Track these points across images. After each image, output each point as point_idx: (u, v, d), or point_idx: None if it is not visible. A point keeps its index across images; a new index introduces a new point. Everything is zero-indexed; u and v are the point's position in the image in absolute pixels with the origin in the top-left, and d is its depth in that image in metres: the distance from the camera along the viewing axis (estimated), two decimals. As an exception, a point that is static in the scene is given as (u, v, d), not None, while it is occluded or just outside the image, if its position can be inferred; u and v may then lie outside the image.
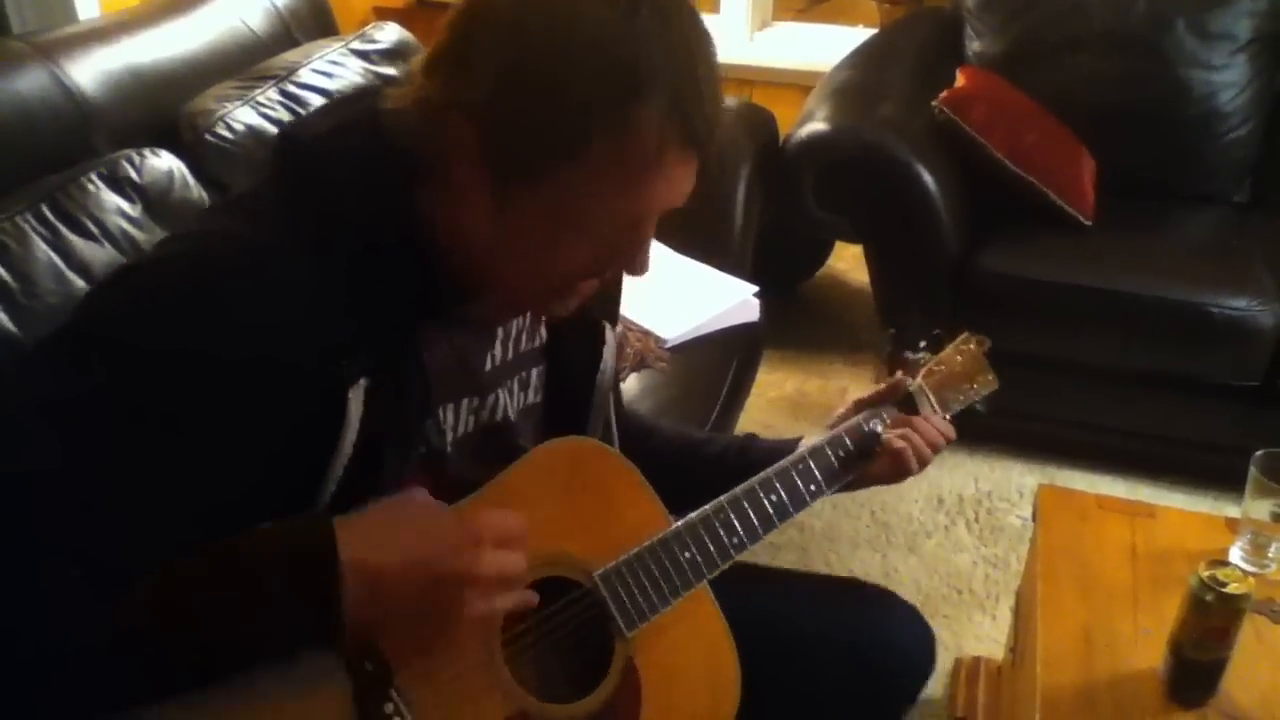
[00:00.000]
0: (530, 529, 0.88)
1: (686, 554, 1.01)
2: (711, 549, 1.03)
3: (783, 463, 1.10)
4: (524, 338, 1.02)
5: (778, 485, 1.09)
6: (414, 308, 0.87)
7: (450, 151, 0.83)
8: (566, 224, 0.84)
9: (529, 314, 1.03)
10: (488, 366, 0.98)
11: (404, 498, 0.85)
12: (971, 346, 1.26)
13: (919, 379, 1.21)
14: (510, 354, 1.01)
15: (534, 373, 1.05)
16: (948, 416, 1.22)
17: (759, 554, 1.09)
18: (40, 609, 0.72)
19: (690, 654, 1.03)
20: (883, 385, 1.20)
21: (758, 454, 1.16)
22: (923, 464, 1.16)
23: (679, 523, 1.02)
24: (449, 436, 0.95)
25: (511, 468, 0.95)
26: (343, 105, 0.92)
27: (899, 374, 1.21)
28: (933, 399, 1.21)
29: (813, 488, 1.11)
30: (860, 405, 1.19)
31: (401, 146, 0.84)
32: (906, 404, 1.20)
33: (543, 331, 1.04)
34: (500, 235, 0.85)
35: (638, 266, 0.89)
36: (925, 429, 1.16)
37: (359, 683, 0.82)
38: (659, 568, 0.99)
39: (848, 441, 1.14)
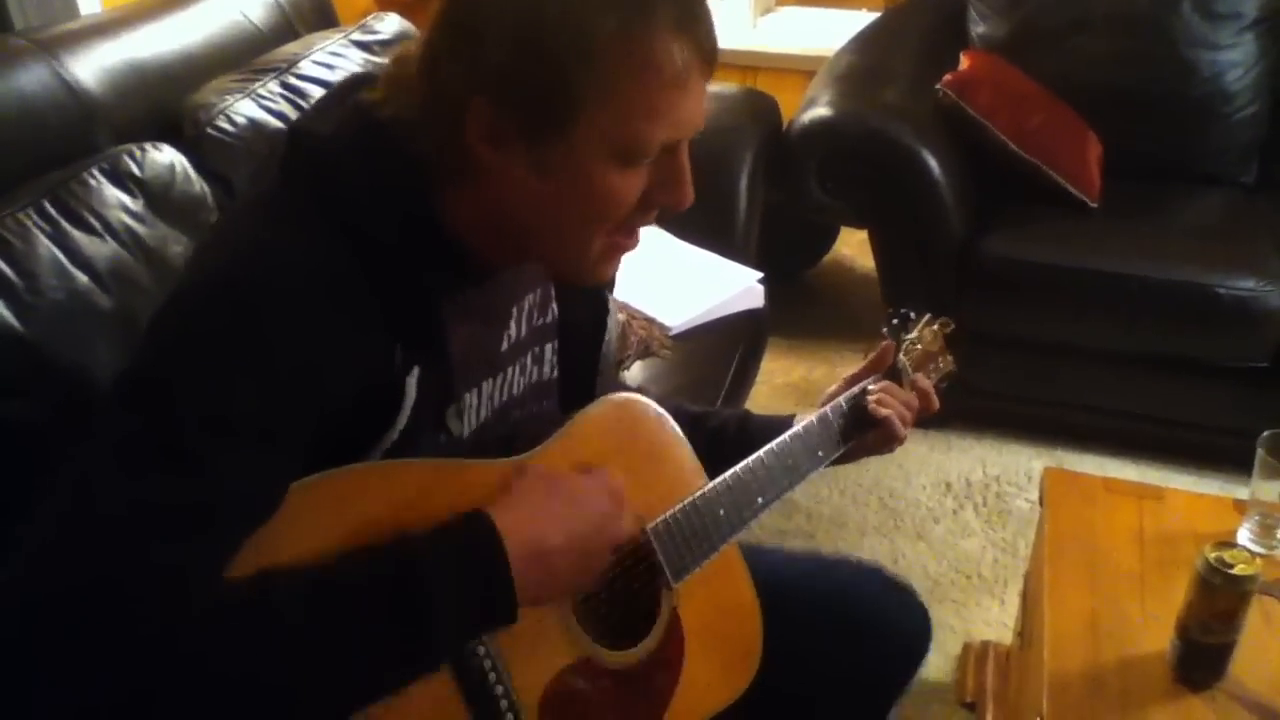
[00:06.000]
0: None
1: (720, 511, 1.04)
2: (741, 507, 1.06)
3: (794, 429, 1.15)
4: (537, 313, 1.03)
5: (792, 450, 1.13)
6: (440, 294, 0.87)
7: (472, 139, 0.83)
8: (611, 166, 0.83)
9: (542, 289, 1.03)
10: (504, 346, 0.99)
11: (544, 470, 0.89)
12: (936, 328, 1.34)
13: (902, 355, 1.28)
14: (525, 330, 1.02)
15: (548, 348, 1.06)
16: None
17: (766, 538, 1.10)
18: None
19: (724, 607, 1.07)
20: (871, 356, 1.27)
21: (756, 428, 1.21)
22: (907, 425, 1.22)
23: (714, 481, 1.05)
24: (473, 421, 0.96)
25: (573, 421, 0.98)
26: (335, 103, 0.91)
27: (887, 344, 1.27)
28: (912, 375, 1.28)
29: (820, 453, 1.17)
30: (851, 380, 1.25)
31: (415, 152, 0.85)
32: (892, 378, 1.26)
33: (554, 307, 1.06)
34: (546, 200, 0.85)
35: (684, 194, 0.88)
36: (903, 394, 1.23)
37: None
38: (700, 523, 1.02)
39: (844, 409, 1.20)
